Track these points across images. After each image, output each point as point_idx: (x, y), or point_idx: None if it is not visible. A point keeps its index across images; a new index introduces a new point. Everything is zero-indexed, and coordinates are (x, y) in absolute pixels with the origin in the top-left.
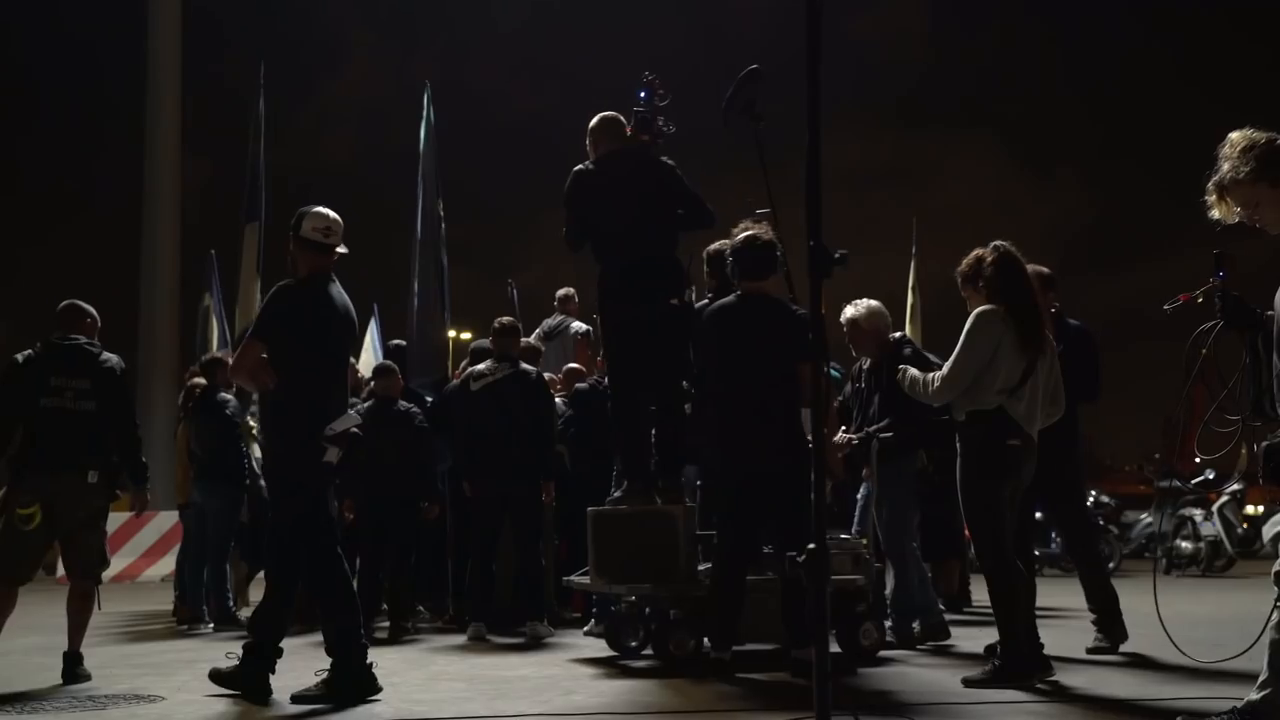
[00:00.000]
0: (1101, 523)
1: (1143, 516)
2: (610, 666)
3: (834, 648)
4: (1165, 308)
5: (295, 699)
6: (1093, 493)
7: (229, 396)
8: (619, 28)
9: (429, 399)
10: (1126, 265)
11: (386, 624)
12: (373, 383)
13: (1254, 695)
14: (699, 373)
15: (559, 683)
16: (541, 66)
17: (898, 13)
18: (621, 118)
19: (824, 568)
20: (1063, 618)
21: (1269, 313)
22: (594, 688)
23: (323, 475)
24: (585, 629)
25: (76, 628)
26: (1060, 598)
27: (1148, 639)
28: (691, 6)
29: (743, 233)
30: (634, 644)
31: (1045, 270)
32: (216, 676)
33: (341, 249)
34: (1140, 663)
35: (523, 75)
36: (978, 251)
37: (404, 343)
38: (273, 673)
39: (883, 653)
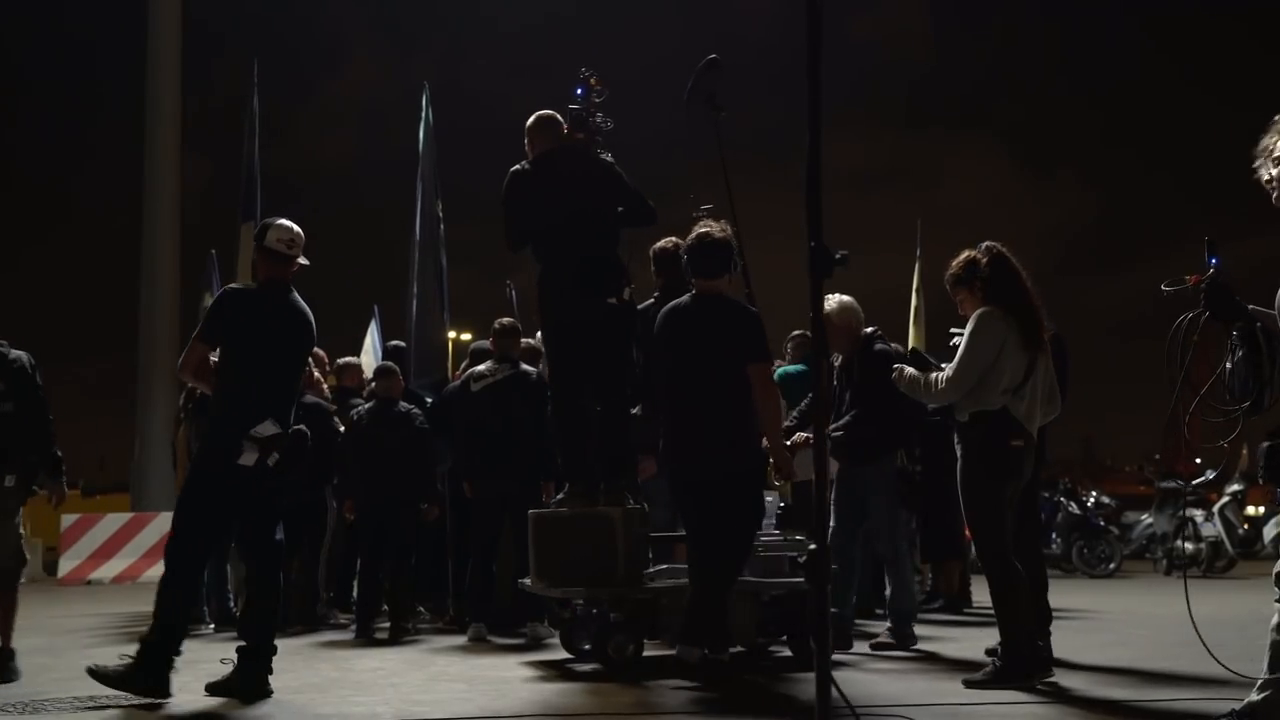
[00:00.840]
0: (1102, 524)
1: (1143, 517)
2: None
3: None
4: (1164, 287)
5: (209, 689)
6: (1093, 493)
7: None
8: (619, 29)
9: (429, 400)
10: (1127, 265)
11: (387, 624)
12: (373, 384)
13: (1254, 696)
14: (645, 372)
15: (553, 682)
16: (541, 67)
17: (899, 14)
18: (558, 116)
19: (825, 569)
20: (1065, 618)
21: (1254, 307)
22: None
23: (237, 476)
24: None
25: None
26: (1061, 598)
27: (1148, 640)
28: (692, 7)
29: (697, 230)
30: (587, 646)
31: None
32: (215, 688)
33: (302, 260)
34: (1143, 665)
35: (522, 76)
36: (969, 253)
37: (403, 344)
38: (270, 673)
39: (885, 654)
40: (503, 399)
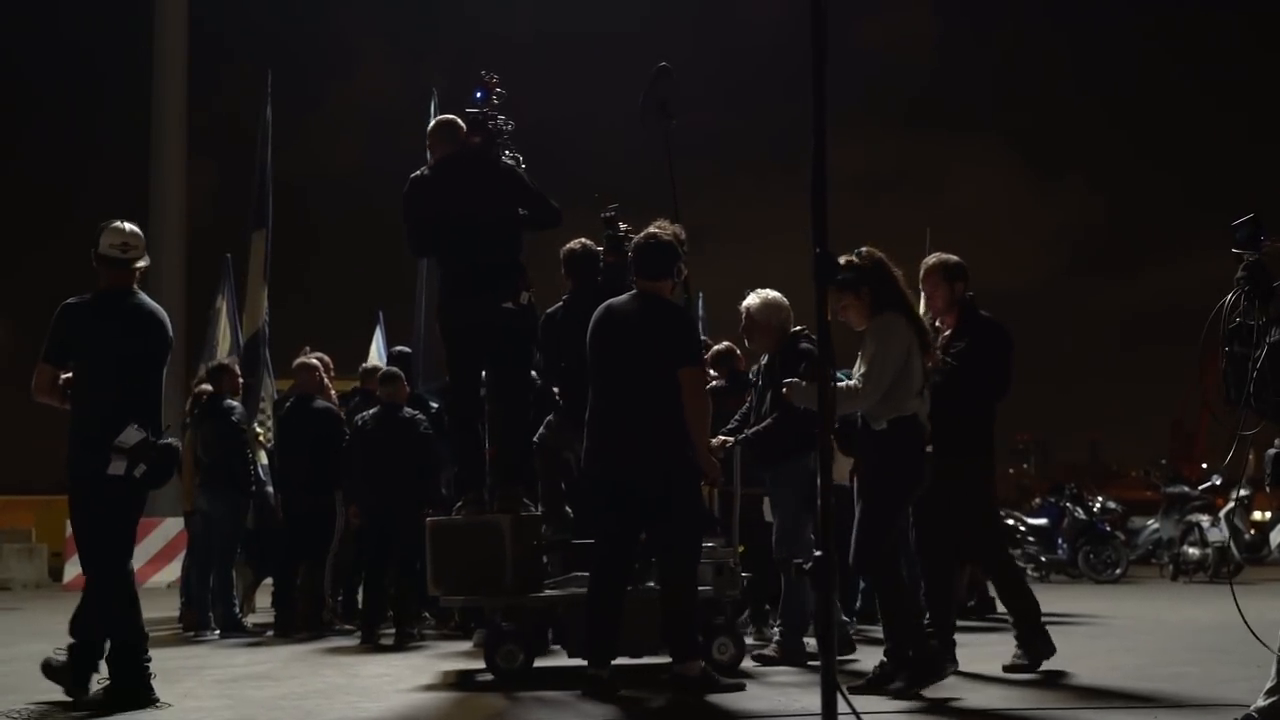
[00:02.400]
0: (1108, 529)
1: (1149, 522)
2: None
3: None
4: (1235, 249)
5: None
6: (1099, 498)
7: (235, 403)
8: (625, 35)
9: (434, 405)
10: (1134, 269)
11: (392, 630)
12: (378, 390)
13: (1261, 702)
14: (565, 373)
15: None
16: (549, 75)
17: (907, 19)
18: (458, 120)
19: (829, 574)
20: (1071, 624)
21: None
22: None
23: (110, 486)
24: None
25: None
26: (1067, 603)
27: (1155, 646)
28: (699, 15)
29: (646, 231)
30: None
31: (954, 259)
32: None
33: (143, 262)
34: (1150, 670)
35: (531, 83)
36: (847, 258)
37: (408, 349)
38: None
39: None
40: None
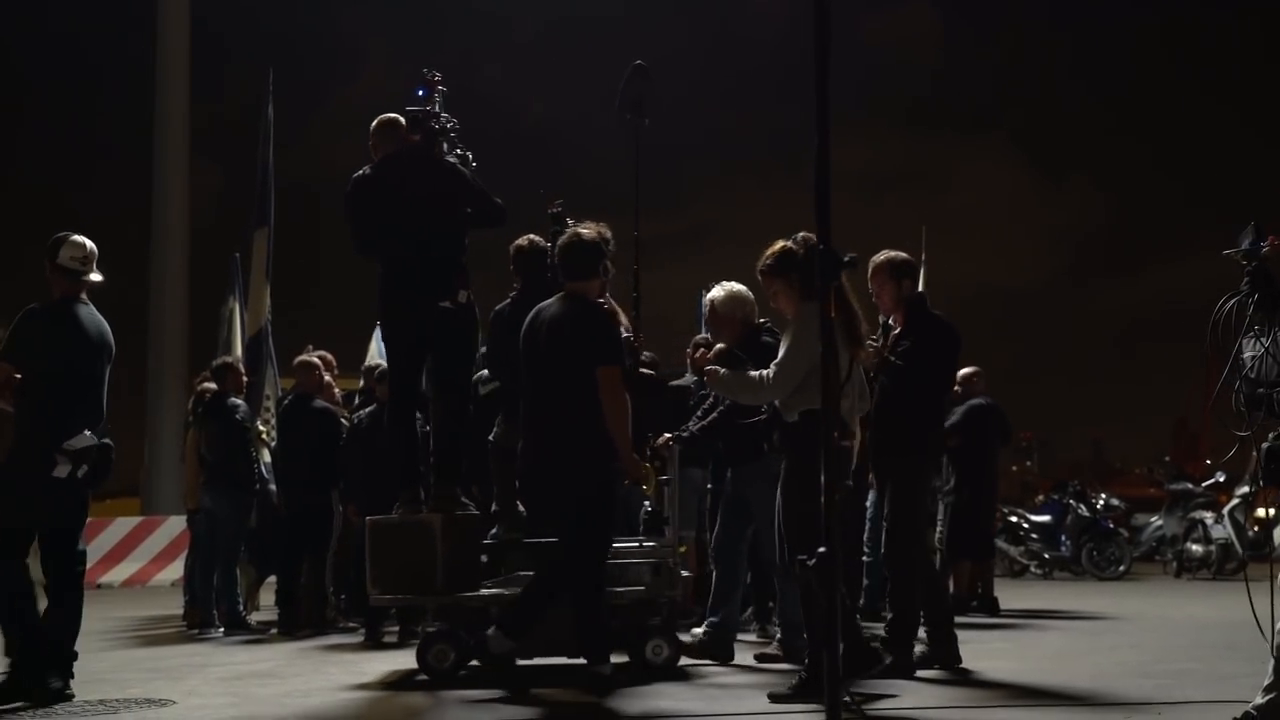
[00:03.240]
0: (1111, 526)
1: (1153, 520)
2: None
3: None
4: (1227, 252)
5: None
6: (1102, 496)
7: (239, 401)
8: (631, 34)
9: None
10: (1138, 269)
11: (396, 628)
12: (377, 388)
13: (1260, 699)
14: (505, 374)
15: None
16: (554, 74)
17: (911, 18)
18: (400, 119)
19: (834, 573)
20: (1075, 620)
21: None
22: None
23: (52, 489)
24: None
25: None
26: (1071, 601)
27: (1158, 643)
28: (704, 13)
29: (569, 231)
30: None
31: (902, 256)
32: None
33: (96, 277)
34: (1153, 668)
35: (536, 83)
36: (783, 243)
37: None
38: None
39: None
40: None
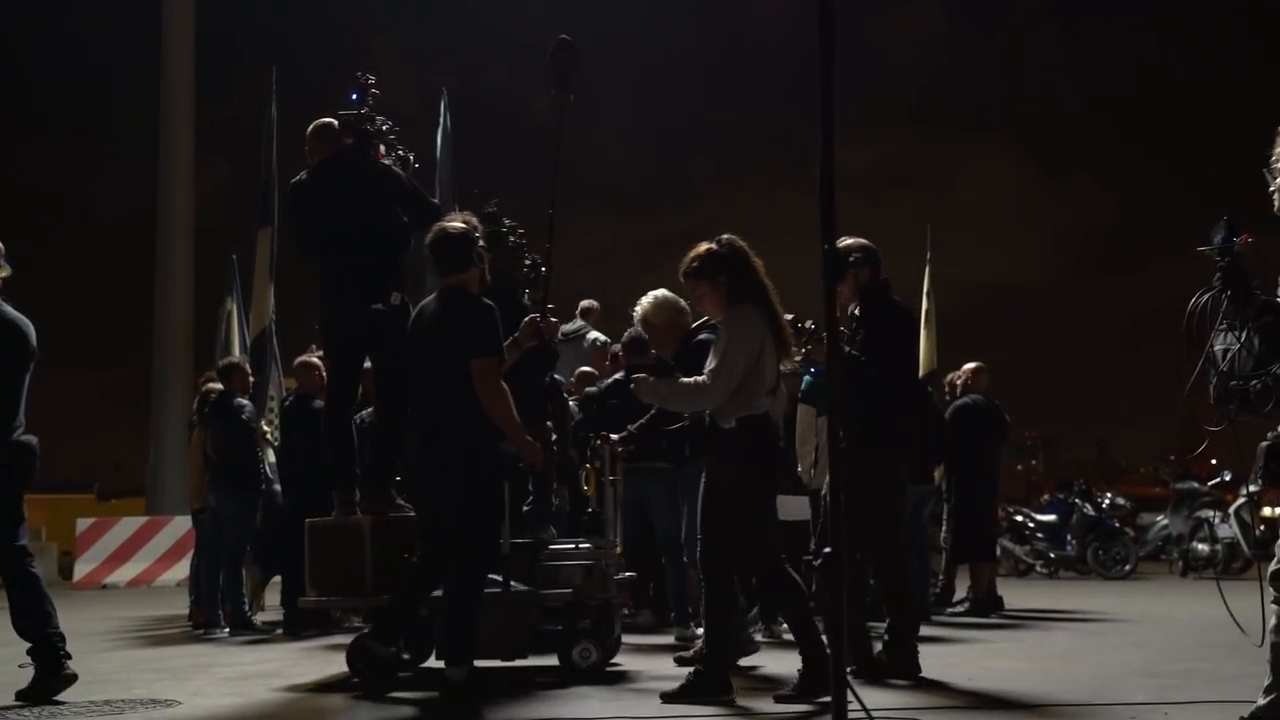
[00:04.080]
0: (1117, 525)
1: (1159, 519)
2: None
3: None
4: (1201, 249)
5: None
6: (1108, 495)
7: (245, 401)
8: (637, 35)
9: None
10: (1142, 267)
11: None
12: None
13: (1261, 700)
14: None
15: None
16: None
17: (915, 16)
18: (334, 122)
19: (839, 575)
20: (1080, 620)
21: (1264, 298)
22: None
23: None
24: None
25: None
26: (1076, 600)
27: (1164, 643)
28: (709, 12)
29: (435, 226)
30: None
31: (863, 243)
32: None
33: (5, 272)
34: (1159, 667)
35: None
36: (707, 245)
37: None
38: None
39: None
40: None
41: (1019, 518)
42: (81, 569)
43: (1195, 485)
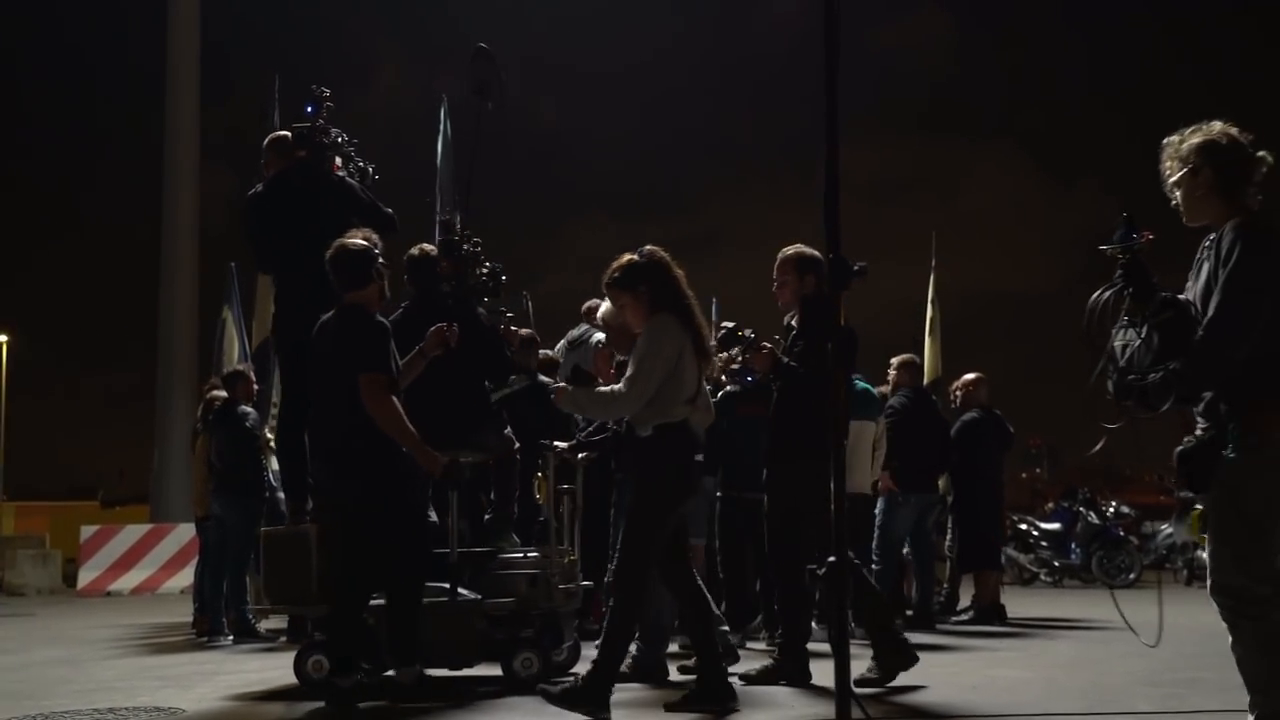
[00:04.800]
0: (1122, 534)
1: (1163, 527)
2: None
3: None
4: (1102, 246)
5: None
6: (1113, 503)
7: (249, 409)
8: (643, 42)
9: None
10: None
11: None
12: None
13: (1250, 717)
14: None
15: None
16: (566, 81)
17: (922, 23)
18: (289, 135)
19: (844, 582)
20: (1084, 629)
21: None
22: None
23: None
24: (596, 642)
25: None
26: (1080, 608)
27: (1168, 652)
28: (712, 20)
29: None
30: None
31: (810, 252)
32: None
33: None
34: (1162, 676)
35: (549, 88)
36: (628, 256)
37: None
38: None
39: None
40: (521, 411)
41: (1023, 526)
42: (86, 576)
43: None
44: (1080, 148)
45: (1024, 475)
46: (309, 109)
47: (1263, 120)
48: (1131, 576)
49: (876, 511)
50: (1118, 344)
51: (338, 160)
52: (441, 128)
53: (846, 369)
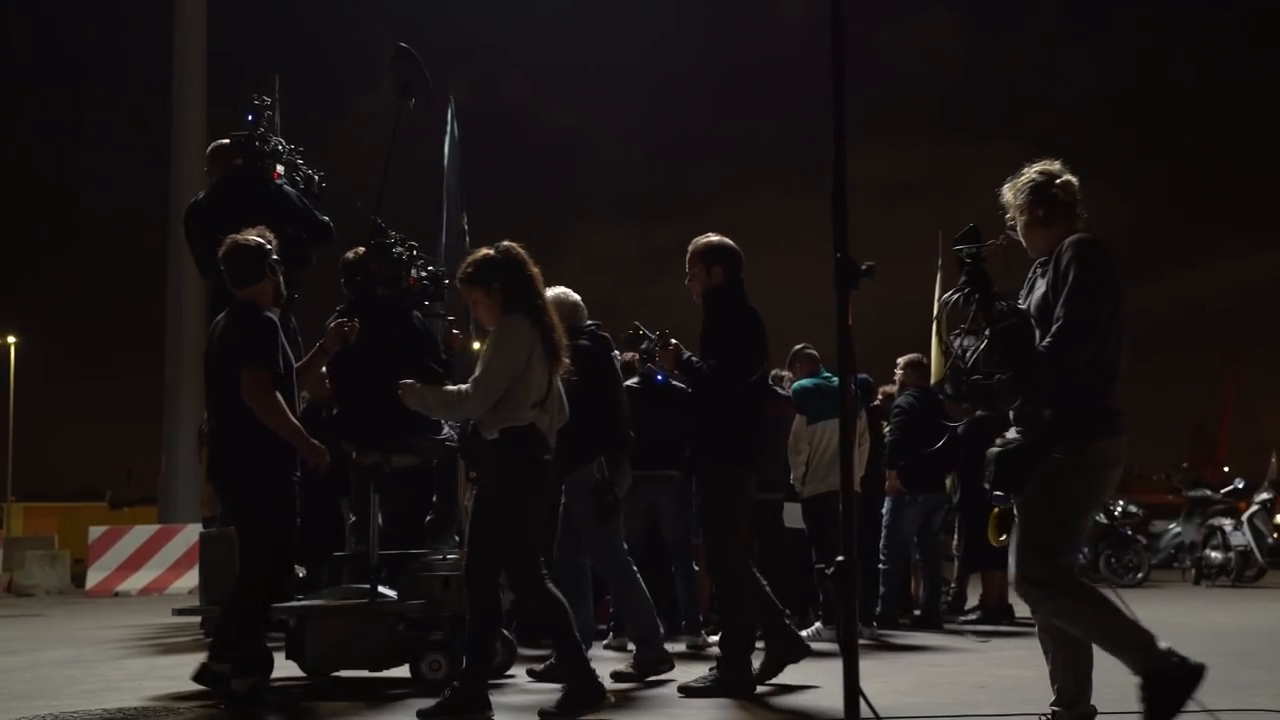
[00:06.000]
0: (1130, 533)
1: (1171, 526)
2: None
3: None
4: (957, 248)
5: None
6: (1120, 503)
7: None
8: (650, 45)
9: None
10: (1155, 275)
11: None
12: None
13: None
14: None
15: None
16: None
17: (930, 24)
18: (228, 144)
19: (851, 581)
20: None
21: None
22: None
23: None
24: (604, 642)
25: None
26: None
27: (1176, 646)
28: (721, 24)
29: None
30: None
31: (721, 241)
32: None
33: None
34: None
35: (558, 92)
36: (485, 251)
37: None
38: None
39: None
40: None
41: None
42: (94, 577)
43: (1208, 493)
44: (1088, 150)
45: None
46: (249, 118)
47: (1263, 120)
48: (1139, 576)
49: (883, 511)
50: (962, 344)
51: (279, 169)
52: (449, 129)
53: (754, 357)
